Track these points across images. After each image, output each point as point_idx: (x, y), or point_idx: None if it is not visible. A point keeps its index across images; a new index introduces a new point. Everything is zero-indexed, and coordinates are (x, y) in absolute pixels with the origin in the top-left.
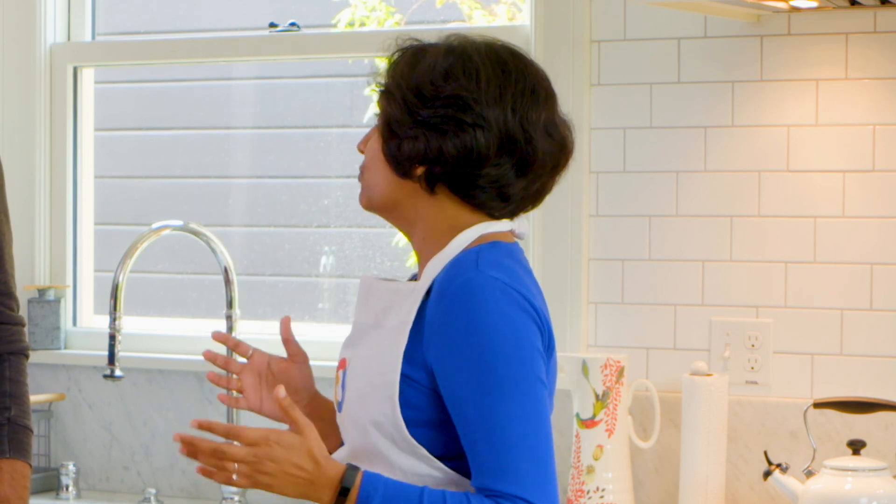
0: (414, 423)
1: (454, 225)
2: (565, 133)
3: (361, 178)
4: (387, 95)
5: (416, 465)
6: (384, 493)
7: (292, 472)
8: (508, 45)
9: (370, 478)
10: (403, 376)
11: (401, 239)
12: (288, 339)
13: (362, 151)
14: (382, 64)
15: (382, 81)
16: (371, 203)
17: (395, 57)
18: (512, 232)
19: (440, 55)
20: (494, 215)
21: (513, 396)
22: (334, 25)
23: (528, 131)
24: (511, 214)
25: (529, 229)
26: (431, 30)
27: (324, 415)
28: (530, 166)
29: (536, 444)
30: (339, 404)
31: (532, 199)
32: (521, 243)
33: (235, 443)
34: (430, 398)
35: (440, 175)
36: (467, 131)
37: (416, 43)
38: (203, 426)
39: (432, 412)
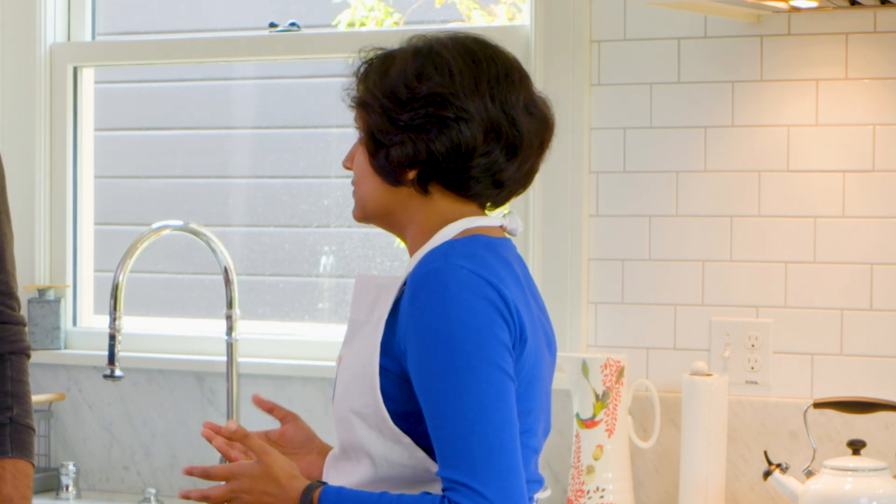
0: (395, 416)
1: (446, 220)
2: (545, 110)
3: (354, 194)
4: (364, 107)
5: (401, 454)
6: (337, 498)
7: (264, 500)
8: (473, 35)
9: (327, 491)
10: (381, 368)
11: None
12: (271, 409)
13: (349, 168)
14: (352, 79)
15: (355, 95)
16: (366, 214)
17: (363, 69)
18: (502, 227)
19: (408, 58)
20: (488, 204)
21: (468, 384)
22: (335, 26)
23: (510, 114)
24: (504, 200)
25: (529, 229)
26: (433, 30)
27: None
28: (518, 148)
29: (491, 432)
30: (332, 401)
31: (522, 181)
32: (519, 241)
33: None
34: (405, 389)
35: (433, 174)
36: (451, 127)
37: (380, 52)
38: (185, 472)
39: (409, 403)
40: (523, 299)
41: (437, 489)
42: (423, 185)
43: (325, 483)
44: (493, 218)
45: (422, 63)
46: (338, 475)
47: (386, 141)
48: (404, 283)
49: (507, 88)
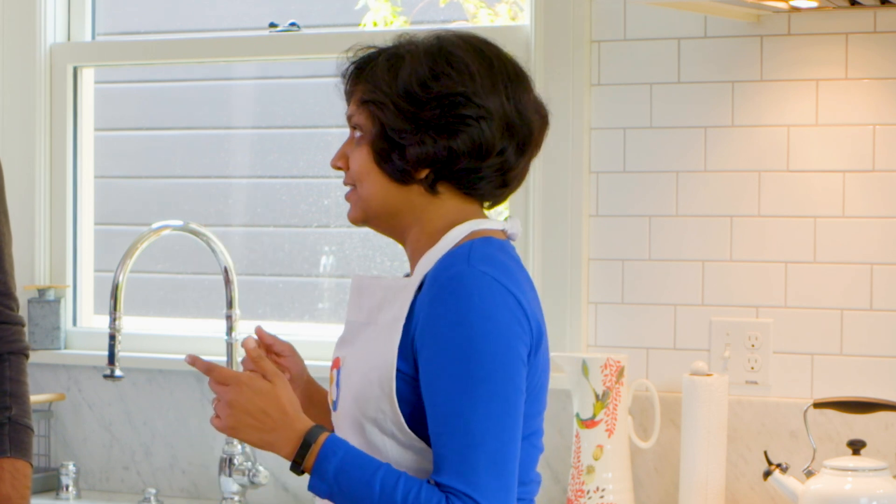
0: (411, 419)
1: (452, 220)
2: (544, 110)
3: (352, 194)
4: (375, 106)
5: (417, 460)
6: (343, 457)
7: (258, 417)
8: (476, 35)
9: (334, 439)
10: (398, 372)
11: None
12: (269, 346)
13: (340, 168)
14: (349, 78)
15: (365, 96)
16: (367, 216)
17: (367, 67)
18: (504, 231)
19: (421, 56)
20: (489, 204)
21: (482, 395)
22: (362, 25)
23: (522, 114)
24: (502, 199)
25: (529, 229)
26: (421, 30)
27: (319, 400)
28: (527, 147)
29: (499, 445)
30: (335, 403)
31: (520, 179)
32: (519, 242)
33: None
34: (420, 391)
35: (446, 174)
36: (473, 126)
37: (372, 50)
38: (188, 361)
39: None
40: (536, 301)
41: None
42: (433, 185)
43: (332, 432)
44: (497, 221)
45: (437, 62)
46: None
47: (402, 140)
48: (420, 284)
49: (518, 87)
